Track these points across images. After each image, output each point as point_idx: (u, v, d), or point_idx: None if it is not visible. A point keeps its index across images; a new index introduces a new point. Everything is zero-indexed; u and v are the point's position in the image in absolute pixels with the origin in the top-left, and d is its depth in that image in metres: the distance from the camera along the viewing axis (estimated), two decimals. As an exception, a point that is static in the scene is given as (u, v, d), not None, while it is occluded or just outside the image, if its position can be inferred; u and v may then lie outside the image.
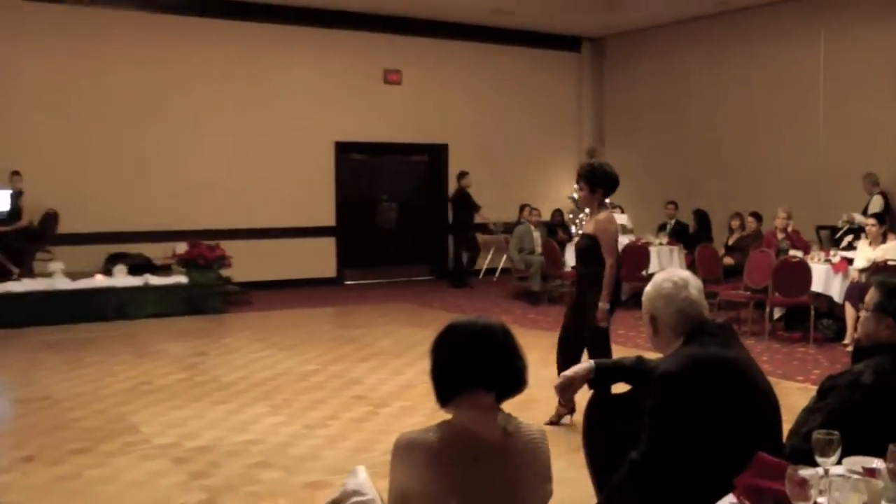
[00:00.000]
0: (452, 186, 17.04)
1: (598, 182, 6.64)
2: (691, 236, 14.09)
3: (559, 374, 6.51)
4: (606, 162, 6.88)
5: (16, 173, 12.57)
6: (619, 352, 7.02)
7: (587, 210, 7.73)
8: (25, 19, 13.49)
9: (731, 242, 13.07)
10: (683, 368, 3.27)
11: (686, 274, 3.59)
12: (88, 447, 6.27)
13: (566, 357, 6.63)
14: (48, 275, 12.26)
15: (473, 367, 2.77)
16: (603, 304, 6.54)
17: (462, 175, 16.01)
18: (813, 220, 13.27)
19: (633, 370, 3.80)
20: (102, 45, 14.07)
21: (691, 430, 3.18)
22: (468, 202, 15.88)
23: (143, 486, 5.46)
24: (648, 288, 3.59)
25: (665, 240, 13.85)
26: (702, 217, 14.43)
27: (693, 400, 3.20)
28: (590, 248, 6.63)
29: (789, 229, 12.28)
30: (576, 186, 6.73)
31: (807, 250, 11.43)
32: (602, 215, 6.66)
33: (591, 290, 6.65)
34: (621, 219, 14.82)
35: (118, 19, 14.13)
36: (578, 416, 4.92)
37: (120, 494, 5.32)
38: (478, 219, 16.09)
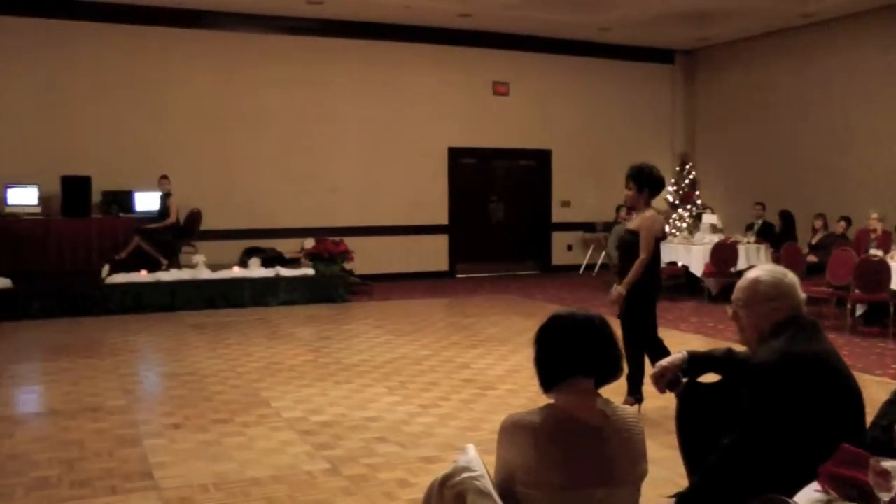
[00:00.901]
0: (557, 188, 16.95)
1: (645, 182, 6.50)
2: (777, 235, 13.76)
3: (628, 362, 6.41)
4: (654, 165, 6.72)
5: (164, 177, 12.86)
6: (708, 345, 6.85)
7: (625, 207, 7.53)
8: (180, 45, 13.90)
9: (814, 241, 12.76)
10: (779, 361, 3.14)
11: (789, 271, 3.45)
12: (227, 418, 6.42)
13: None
14: (192, 266, 12.63)
15: (574, 356, 2.75)
16: (620, 288, 6.43)
17: None
18: (892, 221, 12.80)
19: (724, 361, 3.70)
20: (248, 64, 14.37)
21: (783, 419, 3.06)
22: None
23: (274, 454, 5.55)
24: (759, 282, 3.36)
25: (753, 238, 13.57)
26: (787, 217, 14.09)
27: (787, 391, 3.08)
28: (632, 243, 6.48)
29: (879, 231, 11.89)
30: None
31: (887, 249, 11.05)
32: (647, 213, 6.50)
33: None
34: (711, 218, 14.56)
35: (262, 42, 14.42)
36: (649, 405, 4.81)
37: (254, 460, 5.42)
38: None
